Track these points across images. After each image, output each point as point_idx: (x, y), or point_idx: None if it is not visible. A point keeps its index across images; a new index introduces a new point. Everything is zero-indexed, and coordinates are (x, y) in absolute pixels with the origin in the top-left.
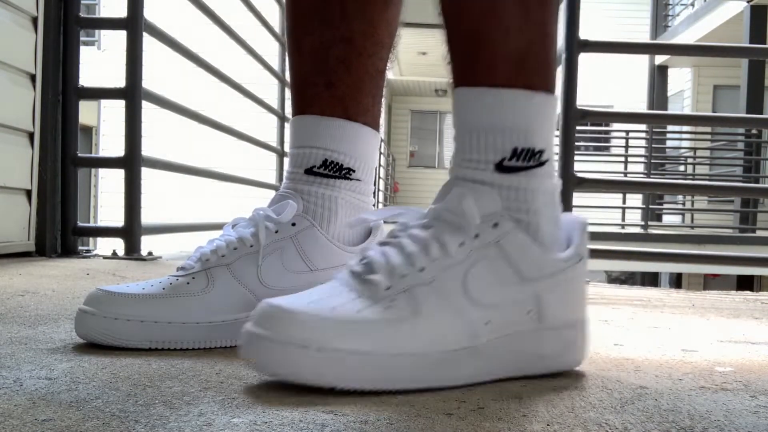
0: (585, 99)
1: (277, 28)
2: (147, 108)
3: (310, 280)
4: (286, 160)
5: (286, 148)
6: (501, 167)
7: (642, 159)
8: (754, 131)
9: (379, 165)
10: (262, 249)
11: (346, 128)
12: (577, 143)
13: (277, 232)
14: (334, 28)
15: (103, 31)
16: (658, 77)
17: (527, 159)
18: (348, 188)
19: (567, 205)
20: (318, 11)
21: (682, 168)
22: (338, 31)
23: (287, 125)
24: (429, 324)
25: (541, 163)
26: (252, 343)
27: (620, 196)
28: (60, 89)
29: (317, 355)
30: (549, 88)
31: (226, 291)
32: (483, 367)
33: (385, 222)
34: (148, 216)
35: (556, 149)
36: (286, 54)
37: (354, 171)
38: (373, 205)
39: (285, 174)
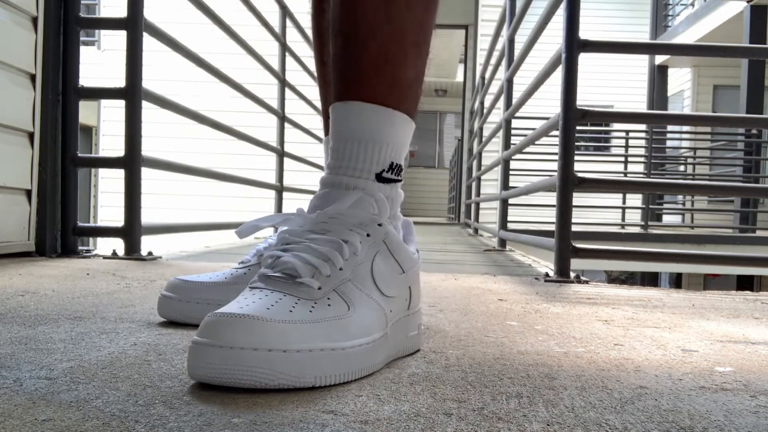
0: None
1: (277, 28)
2: (147, 108)
3: (405, 281)
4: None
5: (287, 148)
6: (380, 177)
7: (642, 159)
8: (754, 131)
9: None
10: (365, 255)
11: (406, 125)
12: (577, 143)
13: (369, 235)
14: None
15: (103, 31)
16: (658, 77)
17: (397, 173)
18: (398, 188)
19: (567, 205)
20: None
21: (682, 168)
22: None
23: (287, 125)
24: (361, 316)
25: (399, 179)
26: (201, 354)
27: (620, 196)
28: (60, 89)
29: (281, 357)
30: (413, 115)
31: (366, 310)
32: (388, 351)
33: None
34: (148, 216)
35: (556, 149)
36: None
37: (402, 170)
38: None
39: (332, 165)
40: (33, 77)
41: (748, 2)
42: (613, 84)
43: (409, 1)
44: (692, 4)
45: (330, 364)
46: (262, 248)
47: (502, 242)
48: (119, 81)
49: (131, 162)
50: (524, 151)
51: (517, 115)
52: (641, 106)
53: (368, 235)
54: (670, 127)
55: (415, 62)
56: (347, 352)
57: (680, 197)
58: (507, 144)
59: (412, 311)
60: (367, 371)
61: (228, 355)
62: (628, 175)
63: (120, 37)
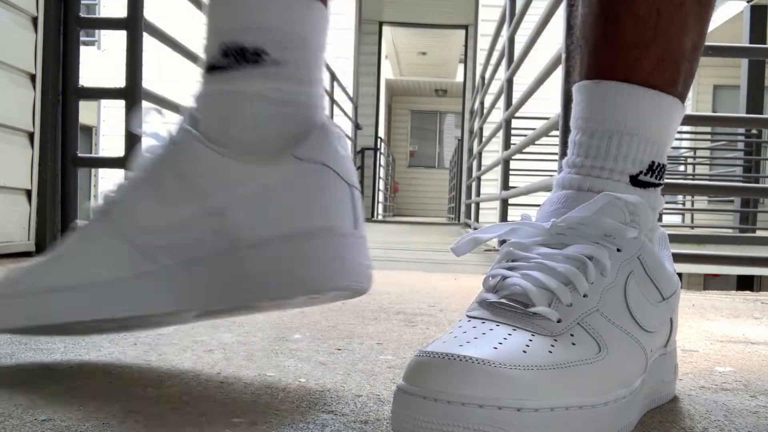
0: None
1: None
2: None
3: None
4: None
5: None
6: (636, 181)
7: None
8: (754, 131)
9: (379, 164)
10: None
11: (675, 110)
12: None
13: (619, 250)
14: None
15: (103, 31)
16: None
17: (659, 175)
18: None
19: None
20: None
21: (682, 168)
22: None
23: None
24: (617, 359)
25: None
26: (408, 406)
27: None
28: (60, 89)
29: (515, 417)
30: (684, 98)
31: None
32: (642, 402)
33: (498, 240)
34: None
35: (556, 149)
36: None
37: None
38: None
39: (582, 164)
40: (33, 77)
41: (748, 2)
42: None
43: None
44: None
45: (579, 428)
46: None
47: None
48: (119, 81)
49: (131, 162)
50: (524, 151)
51: (517, 115)
52: None
53: (619, 250)
54: None
55: (695, 26)
56: (599, 411)
57: (680, 197)
58: (507, 144)
59: (670, 348)
60: None
61: (444, 411)
62: None
63: (120, 37)
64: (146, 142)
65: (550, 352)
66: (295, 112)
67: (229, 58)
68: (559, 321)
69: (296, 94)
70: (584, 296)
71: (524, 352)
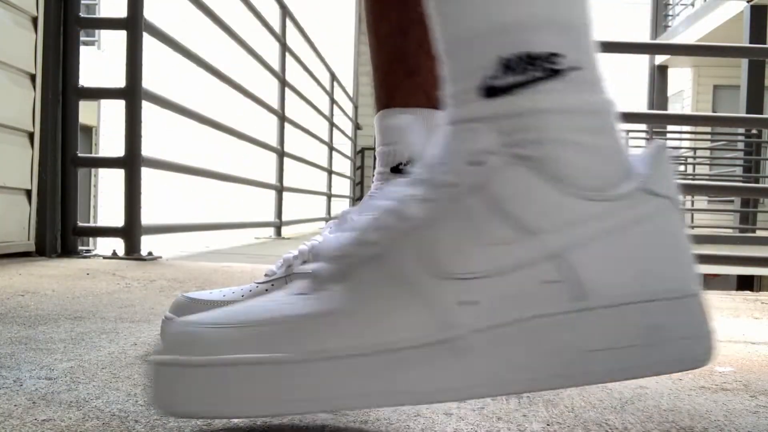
0: None
1: (277, 28)
2: (147, 108)
3: (529, 252)
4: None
5: (287, 148)
6: (488, 90)
7: None
8: (754, 131)
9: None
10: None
11: (430, 120)
12: None
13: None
14: (411, 9)
15: (103, 31)
16: (658, 77)
17: (523, 70)
18: (571, 87)
19: None
20: None
21: (682, 168)
22: (415, 12)
23: (287, 125)
24: (369, 314)
25: (556, 72)
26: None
27: None
28: (60, 89)
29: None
30: None
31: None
32: (476, 370)
33: None
34: (148, 216)
35: None
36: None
37: (563, 56)
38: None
39: (375, 176)
40: (33, 77)
41: (748, 2)
42: (613, 84)
43: None
44: (692, 4)
45: (260, 383)
46: (291, 258)
47: None
48: (119, 81)
49: (131, 162)
50: None
51: None
52: (641, 106)
53: (447, 185)
54: (670, 127)
55: None
56: (292, 366)
57: (680, 197)
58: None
59: (594, 303)
60: (386, 401)
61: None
62: None
63: (120, 37)
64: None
65: (273, 307)
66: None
67: (515, 71)
68: (324, 277)
69: (604, 104)
70: (373, 244)
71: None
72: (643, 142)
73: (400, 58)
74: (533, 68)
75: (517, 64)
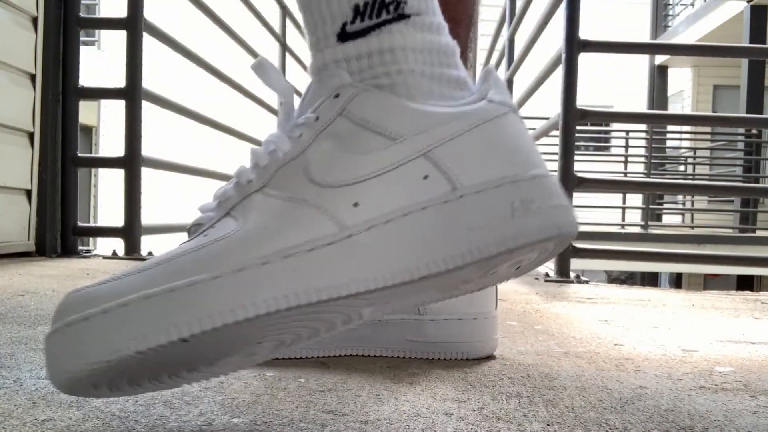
0: (585, 99)
1: (277, 28)
2: (147, 108)
3: (403, 152)
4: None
5: None
6: (344, 35)
7: (642, 159)
8: (754, 131)
9: None
10: (296, 144)
11: None
12: (577, 143)
13: (317, 119)
14: None
15: (103, 31)
16: (658, 77)
17: (377, 14)
18: (414, 29)
19: None
20: None
21: (682, 168)
22: None
23: None
24: (271, 229)
25: (401, 16)
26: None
27: (620, 196)
28: (60, 89)
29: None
30: None
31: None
32: (376, 261)
33: None
34: (148, 216)
35: (556, 149)
36: None
37: (405, 2)
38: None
39: (309, 67)
40: (33, 77)
41: (748, 2)
42: (613, 84)
43: None
44: (692, 4)
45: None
46: (221, 192)
47: None
48: (119, 81)
49: (131, 162)
50: None
51: None
52: (641, 106)
53: (317, 119)
54: (670, 127)
55: None
56: (198, 287)
57: (680, 197)
58: None
59: (467, 191)
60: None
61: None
62: (628, 175)
63: (120, 37)
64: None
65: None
66: (453, 60)
67: (366, 16)
68: (208, 223)
69: (442, 44)
70: (248, 182)
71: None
72: (643, 142)
73: None
74: (383, 13)
75: (369, 10)
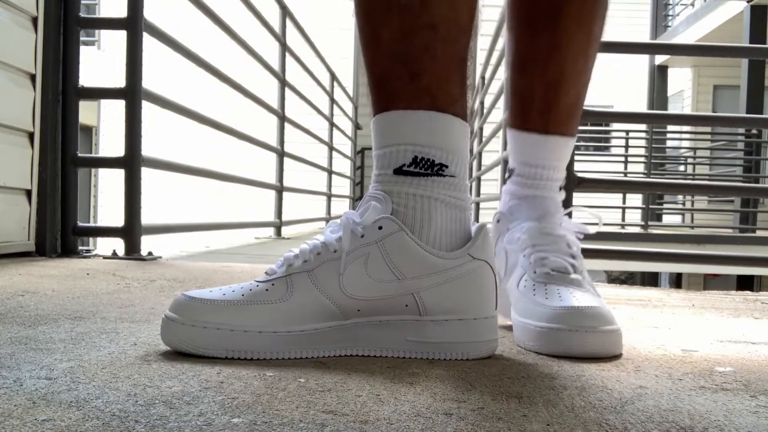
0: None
1: (277, 29)
2: (147, 108)
3: (398, 290)
4: (288, 160)
5: (287, 148)
6: (399, 171)
7: (642, 159)
8: (754, 131)
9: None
10: (345, 255)
11: (435, 121)
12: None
13: (363, 236)
14: (416, 15)
15: (103, 31)
16: (658, 77)
17: (425, 168)
18: (443, 186)
19: (567, 205)
20: None
21: (682, 168)
22: (420, 18)
23: (287, 125)
24: (292, 305)
25: (440, 174)
26: (164, 326)
27: (620, 196)
28: (60, 89)
29: (189, 329)
30: (455, 112)
31: (305, 299)
32: (359, 336)
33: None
34: (148, 216)
35: None
36: (361, 48)
37: (447, 167)
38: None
39: (373, 177)
40: (33, 77)
41: (748, 2)
42: (613, 84)
43: (593, 54)
44: (692, 4)
45: (234, 341)
46: (292, 257)
47: None
48: (119, 81)
49: (131, 162)
50: None
51: None
52: (641, 106)
53: (362, 236)
54: (670, 127)
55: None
56: (253, 334)
57: (680, 197)
58: (507, 144)
59: (427, 318)
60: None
61: (187, 330)
62: (628, 175)
63: (120, 37)
64: (347, 222)
65: (250, 291)
66: (463, 215)
67: (419, 167)
68: (273, 275)
69: (464, 201)
70: (304, 262)
71: (237, 293)
72: (643, 142)
73: (403, 62)
74: (430, 168)
75: (422, 162)
